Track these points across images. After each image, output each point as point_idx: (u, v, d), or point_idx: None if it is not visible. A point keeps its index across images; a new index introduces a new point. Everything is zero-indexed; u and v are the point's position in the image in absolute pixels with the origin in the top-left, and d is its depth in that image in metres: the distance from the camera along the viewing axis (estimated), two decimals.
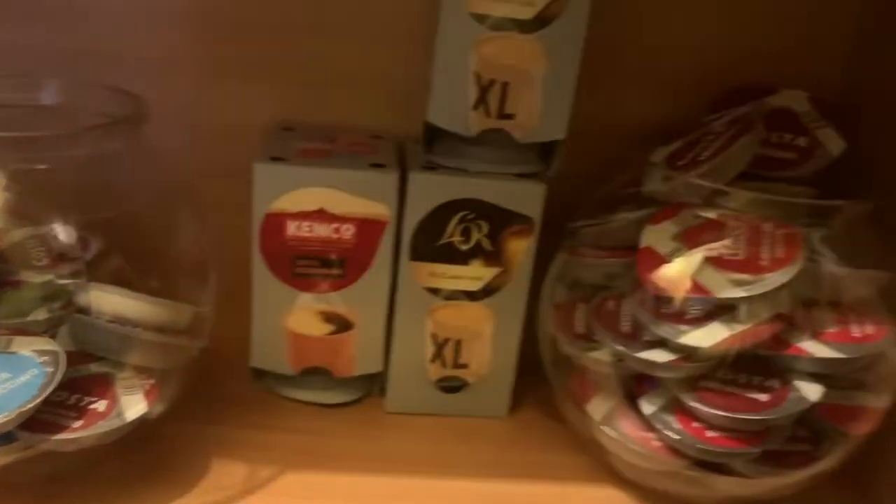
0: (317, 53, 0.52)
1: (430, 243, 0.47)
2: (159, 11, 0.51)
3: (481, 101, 0.44)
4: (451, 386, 0.51)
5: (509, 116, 0.45)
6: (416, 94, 0.46)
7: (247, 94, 0.53)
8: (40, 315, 0.41)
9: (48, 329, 0.41)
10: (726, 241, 0.40)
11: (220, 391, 0.51)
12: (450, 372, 0.51)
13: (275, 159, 0.45)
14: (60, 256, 0.42)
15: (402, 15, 0.51)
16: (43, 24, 0.51)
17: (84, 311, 0.41)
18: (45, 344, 0.40)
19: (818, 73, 0.52)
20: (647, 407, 0.42)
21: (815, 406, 0.40)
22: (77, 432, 0.38)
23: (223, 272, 0.46)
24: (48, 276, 0.42)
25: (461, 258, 0.48)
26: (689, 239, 0.41)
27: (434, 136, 0.47)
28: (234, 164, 0.48)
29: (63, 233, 0.42)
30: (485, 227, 0.47)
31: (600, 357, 0.44)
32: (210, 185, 0.52)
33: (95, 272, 0.42)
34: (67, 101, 0.45)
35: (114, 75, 0.45)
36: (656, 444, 0.42)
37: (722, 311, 0.40)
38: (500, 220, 0.47)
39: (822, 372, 0.40)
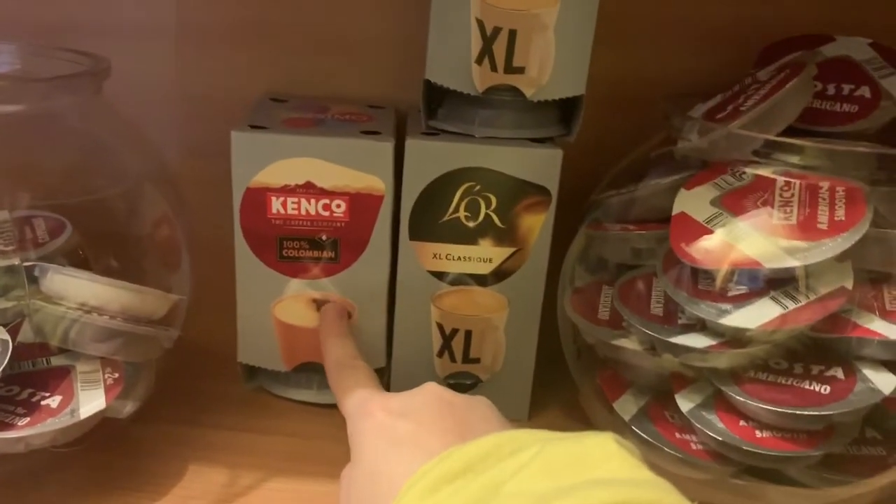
0: (311, 17, 0.49)
1: (433, 220, 0.42)
2: None
3: (486, 52, 0.40)
4: (461, 383, 0.46)
5: (519, 70, 0.40)
6: (420, 62, 0.42)
7: (234, 62, 0.50)
8: (1, 304, 0.38)
9: (11, 319, 0.37)
10: (776, 203, 0.34)
11: (203, 389, 0.47)
12: (460, 367, 0.46)
13: (255, 128, 0.41)
14: (30, 241, 0.38)
15: None
16: None
17: (48, 298, 0.38)
18: None
19: (879, 20, 0.46)
20: (685, 403, 0.38)
21: (887, 400, 0.35)
22: (22, 430, 0.35)
23: (210, 258, 0.42)
24: (11, 261, 0.38)
25: (468, 237, 0.42)
26: (731, 202, 0.36)
27: (436, 99, 0.42)
28: (218, 141, 0.44)
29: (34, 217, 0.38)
30: (494, 201, 0.42)
31: (629, 345, 0.39)
32: (194, 164, 0.49)
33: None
34: (24, 67, 0.41)
35: (90, 45, 0.42)
36: (696, 447, 0.38)
37: (772, 285, 0.35)
38: (512, 193, 0.42)
39: None
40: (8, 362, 0.34)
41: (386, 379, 0.47)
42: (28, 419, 0.35)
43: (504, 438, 0.28)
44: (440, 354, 0.45)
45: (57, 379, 0.37)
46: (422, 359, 0.45)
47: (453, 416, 0.31)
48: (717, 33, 0.48)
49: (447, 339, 0.45)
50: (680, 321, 0.37)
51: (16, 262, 0.37)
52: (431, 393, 0.33)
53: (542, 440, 0.27)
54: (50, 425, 0.35)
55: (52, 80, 0.36)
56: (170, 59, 0.50)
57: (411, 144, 0.41)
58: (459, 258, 0.43)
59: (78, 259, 0.38)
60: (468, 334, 0.45)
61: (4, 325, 0.36)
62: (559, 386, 0.47)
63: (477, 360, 0.46)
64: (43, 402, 0.36)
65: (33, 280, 0.37)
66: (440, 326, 0.45)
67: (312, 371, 0.46)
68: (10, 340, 0.35)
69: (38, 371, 0.37)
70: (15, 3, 0.49)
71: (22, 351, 0.37)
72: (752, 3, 0.48)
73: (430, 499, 0.26)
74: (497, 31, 0.39)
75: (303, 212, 0.42)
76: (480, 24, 0.39)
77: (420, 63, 0.41)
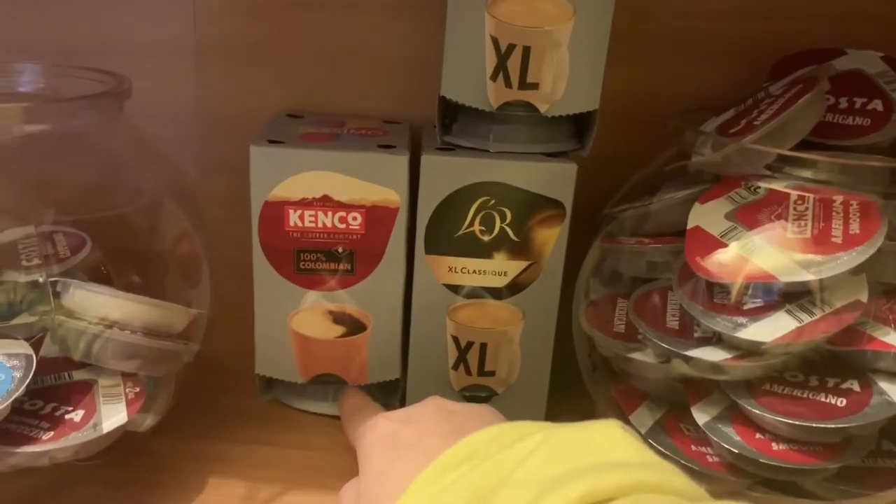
0: (327, 35, 0.49)
1: (448, 234, 0.42)
2: None
3: (500, 69, 0.40)
4: (476, 396, 0.46)
5: (533, 86, 0.40)
6: (435, 79, 0.42)
7: (251, 80, 0.50)
8: (24, 319, 0.38)
9: (35, 334, 0.38)
10: (790, 217, 0.34)
11: (221, 403, 0.47)
12: (475, 380, 0.46)
13: (273, 142, 0.41)
14: (52, 257, 0.39)
15: None
16: (35, 13, 0.49)
17: (70, 313, 0.38)
18: (16, 347, 0.37)
19: (891, 34, 0.46)
20: (701, 416, 0.38)
21: None
22: (47, 444, 0.35)
23: (228, 273, 0.43)
24: (35, 277, 0.38)
25: (483, 250, 0.43)
26: (745, 216, 0.36)
27: (451, 115, 0.43)
28: (237, 157, 0.44)
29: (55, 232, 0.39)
30: (509, 215, 0.42)
31: (644, 359, 0.39)
32: (213, 180, 0.49)
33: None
34: (48, 86, 0.42)
35: (110, 64, 0.42)
36: (712, 459, 0.38)
37: (787, 298, 0.35)
38: (526, 207, 0.42)
39: None
40: (32, 377, 0.35)
41: (401, 391, 0.47)
42: (52, 433, 0.35)
43: (507, 428, 0.28)
44: (455, 367, 0.45)
45: (79, 393, 0.37)
46: (437, 371, 0.46)
47: (454, 422, 0.32)
48: (729, 49, 0.48)
49: (462, 352, 0.45)
50: (696, 334, 0.37)
51: (40, 277, 0.38)
52: (433, 403, 0.34)
53: (545, 428, 0.27)
54: (73, 439, 0.35)
55: (76, 101, 0.37)
56: (189, 78, 0.50)
57: (427, 160, 0.41)
58: (474, 272, 0.43)
59: (99, 274, 0.39)
60: (483, 347, 0.45)
61: (28, 340, 0.37)
62: (574, 399, 0.46)
63: (492, 373, 0.46)
64: (66, 416, 0.36)
65: (56, 295, 0.38)
66: (455, 339, 0.45)
67: (328, 383, 0.46)
68: (33, 355, 0.36)
69: (60, 385, 0.38)
70: (38, 24, 0.49)
71: (45, 365, 0.37)
72: (764, 18, 0.48)
73: (437, 484, 0.27)
74: (511, 47, 0.39)
75: (320, 224, 0.42)
76: (495, 41, 0.39)
77: (435, 79, 0.41)
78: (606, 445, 0.26)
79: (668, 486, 0.24)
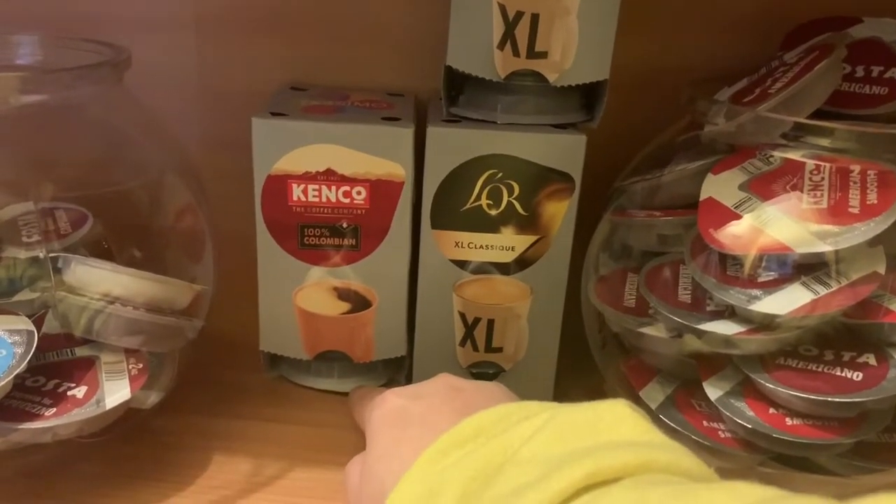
0: (330, 6, 0.48)
1: (455, 208, 0.42)
2: None
3: (508, 37, 0.39)
4: (484, 373, 0.46)
5: (541, 55, 0.39)
6: (439, 50, 0.41)
7: (254, 53, 0.49)
8: (26, 295, 0.38)
9: (37, 310, 0.37)
10: (806, 187, 0.33)
11: (225, 379, 0.47)
12: (482, 357, 0.45)
13: (276, 115, 0.40)
14: (53, 233, 0.38)
15: None
16: None
17: (72, 289, 0.37)
18: (18, 323, 0.36)
19: None
20: (714, 391, 0.37)
21: None
22: (50, 420, 0.35)
23: (232, 248, 0.42)
24: (36, 253, 0.38)
25: (490, 225, 0.42)
26: (760, 187, 0.35)
27: (457, 86, 0.42)
28: (241, 131, 0.44)
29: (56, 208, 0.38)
30: (516, 188, 0.41)
31: (655, 333, 0.38)
32: (215, 155, 0.49)
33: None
34: (47, 58, 0.41)
35: (110, 36, 0.41)
36: (725, 435, 0.37)
37: (803, 270, 0.34)
38: (535, 180, 0.41)
39: None
40: (34, 353, 0.34)
41: (407, 368, 0.47)
42: (55, 409, 0.35)
43: (513, 407, 0.28)
44: (462, 344, 0.45)
45: (82, 370, 0.37)
46: (444, 348, 0.45)
47: (462, 399, 0.31)
48: (741, 18, 0.47)
49: (469, 329, 0.45)
50: (708, 308, 0.36)
51: (41, 253, 0.37)
52: (442, 380, 0.33)
53: (552, 408, 0.27)
54: (76, 415, 0.35)
55: (74, 70, 0.36)
56: (190, 51, 0.49)
57: (432, 132, 0.40)
58: (481, 246, 0.42)
59: (101, 250, 0.38)
60: (490, 323, 0.44)
61: (30, 316, 0.36)
62: (583, 375, 0.46)
63: (500, 350, 0.45)
64: (69, 393, 0.36)
65: (57, 271, 0.37)
66: (462, 315, 0.44)
67: (333, 360, 0.46)
68: (35, 331, 0.35)
69: (63, 362, 0.37)
70: None
71: (47, 342, 0.37)
72: None
73: (442, 461, 0.27)
74: (519, 15, 0.38)
75: (323, 199, 0.41)
76: (502, 8, 0.38)
77: (440, 51, 0.40)
78: (614, 425, 0.26)
79: (675, 467, 0.24)
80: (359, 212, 0.41)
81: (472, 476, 0.25)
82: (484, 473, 0.25)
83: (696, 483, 0.23)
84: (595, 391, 0.45)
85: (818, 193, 0.34)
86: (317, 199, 0.41)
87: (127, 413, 0.37)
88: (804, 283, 0.34)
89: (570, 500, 0.23)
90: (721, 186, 0.36)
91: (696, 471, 0.24)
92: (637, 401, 0.40)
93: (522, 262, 0.43)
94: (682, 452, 0.24)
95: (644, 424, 0.26)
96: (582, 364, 0.45)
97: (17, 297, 0.37)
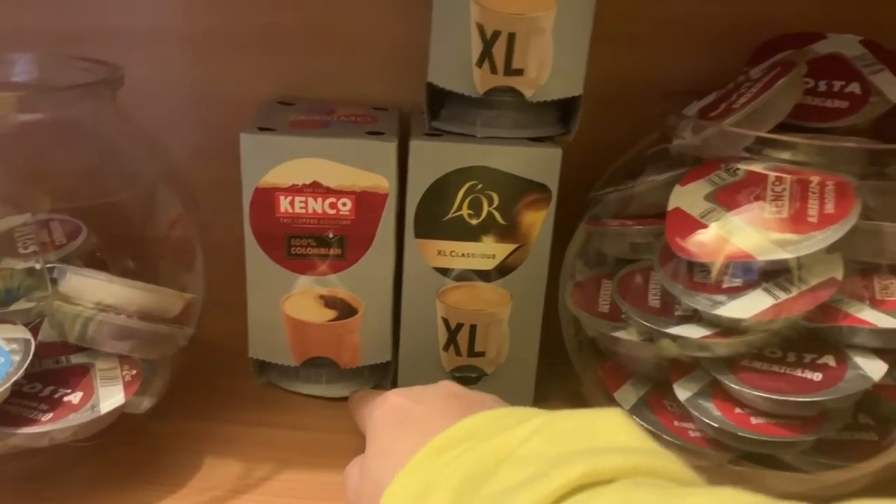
0: (318, 22, 0.49)
1: (437, 218, 0.43)
2: None
3: (486, 56, 0.40)
4: (467, 377, 0.47)
5: (518, 72, 0.41)
6: (422, 66, 0.42)
7: (243, 67, 0.50)
8: (22, 304, 0.39)
9: (33, 319, 0.39)
10: (768, 197, 0.35)
11: (216, 385, 0.48)
12: (465, 361, 0.47)
13: (263, 129, 0.42)
14: (48, 244, 0.39)
15: None
16: (30, 1, 0.49)
17: (66, 298, 0.39)
18: (15, 331, 0.37)
19: (872, 17, 0.47)
20: (683, 392, 0.39)
21: (877, 386, 0.35)
22: (46, 425, 0.36)
23: (222, 258, 0.43)
24: (33, 263, 0.39)
25: (471, 234, 0.43)
26: (725, 197, 0.37)
27: (438, 101, 0.43)
28: (230, 144, 0.45)
29: (51, 220, 0.39)
30: (496, 199, 0.43)
31: (628, 337, 0.40)
32: (205, 167, 0.50)
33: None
34: (42, 76, 0.42)
35: (103, 52, 0.43)
36: (694, 434, 0.39)
37: (765, 277, 0.36)
38: (513, 190, 0.42)
39: (886, 346, 0.36)
40: (30, 360, 0.35)
41: (393, 373, 0.48)
42: (51, 414, 0.36)
43: (510, 411, 0.29)
44: (446, 348, 0.46)
45: (77, 376, 0.38)
46: (428, 353, 0.46)
47: (460, 405, 0.32)
48: (713, 33, 0.49)
49: (453, 334, 0.46)
50: (676, 312, 0.37)
51: (37, 264, 0.38)
52: (444, 387, 0.34)
53: (546, 413, 0.28)
54: (72, 420, 0.36)
55: (69, 90, 0.37)
56: (181, 65, 0.50)
57: (415, 145, 0.42)
58: (463, 255, 0.44)
59: (95, 261, 0.39)
60: (473, 328, 0.46)
61: (27, 325, 0.37)
62: (562, 378, 0.47)
63: (482, 354, 0.47)
64: (65, 399, 0.37)
65: (53, 281, 0.38)
66: (445, 321, 0.46)
67: (321, 366, 0.47)
68: (32, 339, 0.36)
69: (59, 369, 0.39)
70: (32, 14, 0.50)
71: (44, 349, 0.38)
72: (748, 2, 0.48)
73: (438, 460, 0.27)
74: (496, 34, 0.40)
75: (310, 210, 0.43)
76: (480, 28, 0.40)
77: (422, 66, 0.42)
78: (607, 431, 0.27)
79: (665, 472, 0.24)
80: (344, 222, 0.43)
81: (467, 474, 0.26)
82: (479, 472, 0.26)
83: (684, 487, 0.24)
84: (573, 393, 0.47)
85: (780, 203, 0.35)
86: (303, 211, 0.43)
87: (121, 418, 0.38)
88: (766, 289, 0.35)
89: (563, 499, 0.23)
90: (688, 197, 0.37)
91: (685, 477, 0.25)
92: (612, 402, 0.41)
93: (503, 270, 0.44)
94: (672, 460, 0.25)
95: (636, 432, 0.27)
96: (560, 367, 0.46)
97: (14, 307, 0.38)
